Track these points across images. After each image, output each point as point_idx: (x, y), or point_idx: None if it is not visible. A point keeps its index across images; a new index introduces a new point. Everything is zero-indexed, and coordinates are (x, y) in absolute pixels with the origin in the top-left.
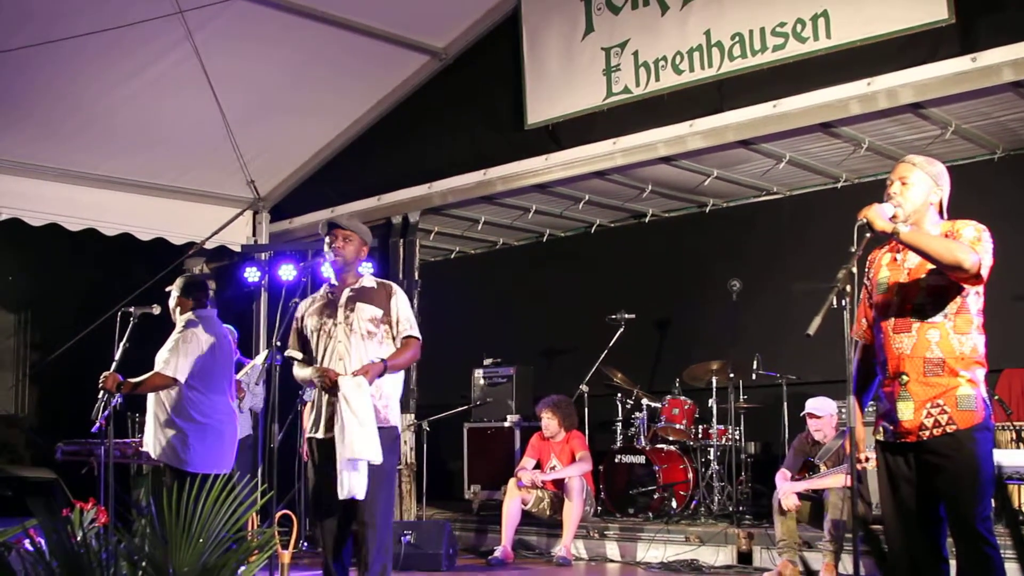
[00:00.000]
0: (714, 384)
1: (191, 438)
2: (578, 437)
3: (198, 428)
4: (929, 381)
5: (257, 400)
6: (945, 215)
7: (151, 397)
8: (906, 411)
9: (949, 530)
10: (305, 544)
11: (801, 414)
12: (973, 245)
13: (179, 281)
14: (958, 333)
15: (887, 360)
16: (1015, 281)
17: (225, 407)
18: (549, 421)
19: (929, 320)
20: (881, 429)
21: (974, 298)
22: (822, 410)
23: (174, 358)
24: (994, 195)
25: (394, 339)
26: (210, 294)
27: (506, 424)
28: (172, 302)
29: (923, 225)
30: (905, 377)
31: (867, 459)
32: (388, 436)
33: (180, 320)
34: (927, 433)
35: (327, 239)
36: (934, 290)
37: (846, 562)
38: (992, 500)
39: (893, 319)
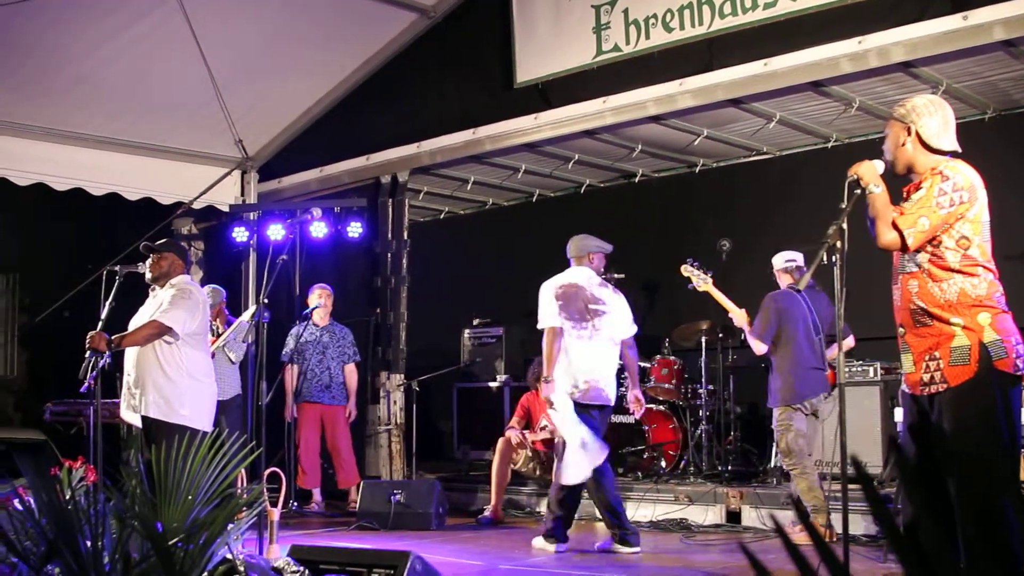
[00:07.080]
0: (703, 344)
1: (188, 395)
2: None
3: (196, 384)
4: (920, 332)
5: (240, 355)
6: (947, 145)
7: (138, 357)
8: (907, 363)
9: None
10: (295, 504)
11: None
12: (913, 210)
13: (174, 244)
14: (936, 281)
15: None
16: (1004, 241)
17: (212, 368)
18: None
19: (908, 271)
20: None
21: (952, 244)
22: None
23: (174, 310)
24: (985, 155)
25: None
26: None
27: (495, 384)
28: (164, 263)
29: (917, 167)
30: (902, 329)
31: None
32: None
33: (174, 280)
34: (925, 389)
35: None
36: None
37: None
38: (999, 465)
39: (893, 270)
